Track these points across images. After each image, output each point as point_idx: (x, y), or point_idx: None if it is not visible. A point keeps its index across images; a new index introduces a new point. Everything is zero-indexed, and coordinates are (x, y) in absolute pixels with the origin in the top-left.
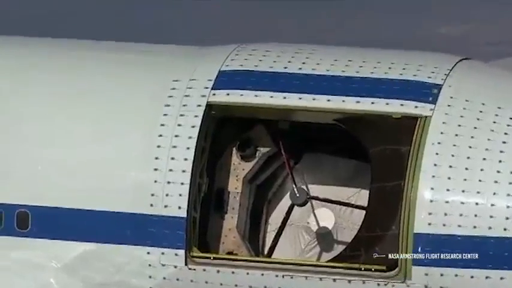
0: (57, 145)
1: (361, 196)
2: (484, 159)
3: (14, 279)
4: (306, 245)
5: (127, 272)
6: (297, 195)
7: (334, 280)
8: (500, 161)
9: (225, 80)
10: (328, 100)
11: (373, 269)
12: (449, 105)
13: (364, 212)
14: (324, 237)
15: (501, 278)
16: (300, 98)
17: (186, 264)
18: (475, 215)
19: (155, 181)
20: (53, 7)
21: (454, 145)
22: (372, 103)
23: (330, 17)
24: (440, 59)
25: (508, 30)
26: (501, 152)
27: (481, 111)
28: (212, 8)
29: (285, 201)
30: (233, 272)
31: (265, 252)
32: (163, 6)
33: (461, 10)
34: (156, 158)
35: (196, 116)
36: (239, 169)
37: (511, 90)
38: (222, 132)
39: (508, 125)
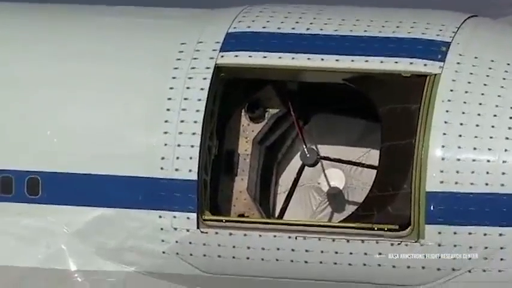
0: (66, 110)
1: (371, 156)
2: (495, 115)
3: (26, 246)
4: (317, 205)
5: (140, 236)
6: (308, 155)
7: (348, 241)
8: (511, 117)
9: (233, 41)
10: (337, 60)
11: (386, 229)
12: (458, 63)
13: (375, 171)
14: (335, 197)
15: None
16: (309, 59)
17: (198, 228)
18: (487, 172)
19: (165, 144)
20: None
21: (464, 102)
22: (381, 62)
23: None
24: (448, 17)
25: None
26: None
27: (490, 68)
28: None
29: (295, 162)
30: (245, 235)
31: (277, 213)
32: None
33: None
34: (166, 121)
35: (205, 79)
36: (248, 131)
37: None
38: (231, 93)
39: None
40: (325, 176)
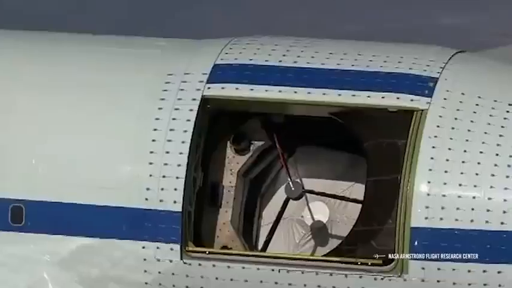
0: (50, 139)
1: (355, 189)
2: (481, 152)
3: (8, 274)
4: (300, 238)
5: (123, 266)
6: (292, 188)
7: (331, 274)
8: (497, 154)
9: (220, 73)
10: (324, 94)
11: (369, 263)
12: (445, 99)
13: (359, 205)
14: (319, 231)
15: (498, 272)
16: (296, 92)
17: (181, 259)
18: (472, 209)
19: (150, 175)
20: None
21: (451, 138)
22: (368, 96)
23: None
24: (436, 52)
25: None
26: (498, 145)
27: (477, 105)
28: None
29: (279, 195)
30: (228, 267)
31: (260, 246)
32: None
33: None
34: (151, 152)
35: (191, 110)
36: (233, 163)
37: (506, 82)
38: (216, 125)
39: (505, 118)
40: (309, 209)
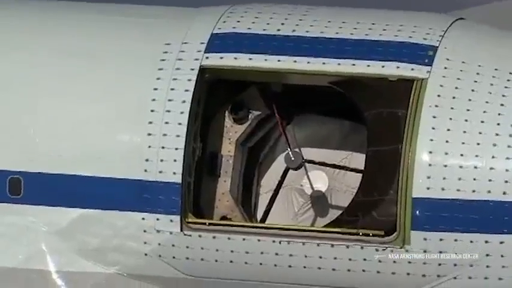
0: (48, 110)
1: (354, 158)
2: (482, 121)
3: (8, 244)
4: (300, 207)
5: (122, 237)
6: (292, 158)
7: (332, 246)
8: (498, 124)
9: (218, 42)
10: (324, 63)
11: (371, 234)
12: (445, 67)
13: (358, 174)
14: (318, 200)
15: (501, 242)
16: (295, 61)
17: (181, 230)
18: (474, 179)
19: (149, 146)
20: None
21: (452, 108)
22: (368, 66)
23: None
24: (435, 20)
25: None
26: (499, 114)
27: (478, 73)
28: None
29: (277, 163)
30: (229, 238)
31: (259, 215)
32: None
33: None
34: (150, 123)
35: (189, 80)
36: (232, 132)
37: (507, 50)
38: (214, 94)
39: (506, 87)
40: (308, 178)
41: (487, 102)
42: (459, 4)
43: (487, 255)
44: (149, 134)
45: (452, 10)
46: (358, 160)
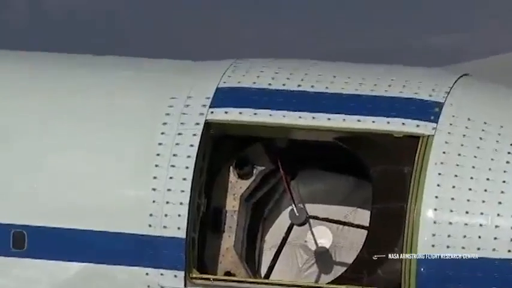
0: (52, 163)
1: (359, 214)
2: (488, 179)
3: None
4: (303, 263)
5: None
6: (297, 214)
7: None
8: (504, 182)
9: (223, 97)
10: (329, 119)
11: None
12: (451, 124)
13: (363, 231)
14: (322, 256)
15: None
16: (300, 117)
17: (185, 286)
18: (479, 237)
19: (154, 201)
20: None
21: (457, 165)
22: (373, 122)
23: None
24: (441, 76)
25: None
26: (505, 172)
27: (483, 130)
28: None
29: (282, 218)
30: None
31: (262, 271)
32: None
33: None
34: (155, 178)
35: (194, 135)
36: (236, 187)
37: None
38: (219, 150)
39: (511, 144)
40: (313, 234)
41: (492, 159)
42: (460, 58)
43: None
44: (154, 189)
45: (453, 63)
46: (363, 216)
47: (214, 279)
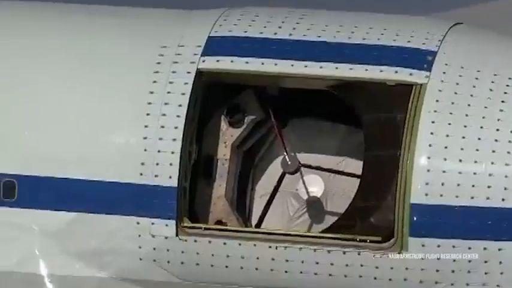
0: (44, 113)
1: (349, 163)
2: (481, 127)
3: (1, 247)
4: (295, 212)
5: (116, 242)
6: (289, 163)
7: (329, 251)
8: (497, 130)
9: (215, 46)
10: (321, 67)
11: (368, 240)
12: (444, 73)
13: (354, 179)
14: (314, 205)
15: (499, 249)
16: (292, 65)
17: (177, 235)
18: (473, 185)
19: (145, 150)
20: None
21: (451, 113)
22: (366, 70)
23: None
24: (433, 25)
25: None
26: (498, 120)
27: (476, 78)
28: None
29: (272, 167)
30: (225, 243)
31: (254, 219)
32: None
33: None
34: (146, 126)
35: (186, 83)
36: (227, 135)
37: (506, 55)
38: (210, 97)
39: (505, 92)
40: (304, 182)
41: (485, 107)
42: (456, 3)
43: (485, 261)
44: (145, 138)
45: (449, 9)
46: (354, 164)
47: (205, 228)
